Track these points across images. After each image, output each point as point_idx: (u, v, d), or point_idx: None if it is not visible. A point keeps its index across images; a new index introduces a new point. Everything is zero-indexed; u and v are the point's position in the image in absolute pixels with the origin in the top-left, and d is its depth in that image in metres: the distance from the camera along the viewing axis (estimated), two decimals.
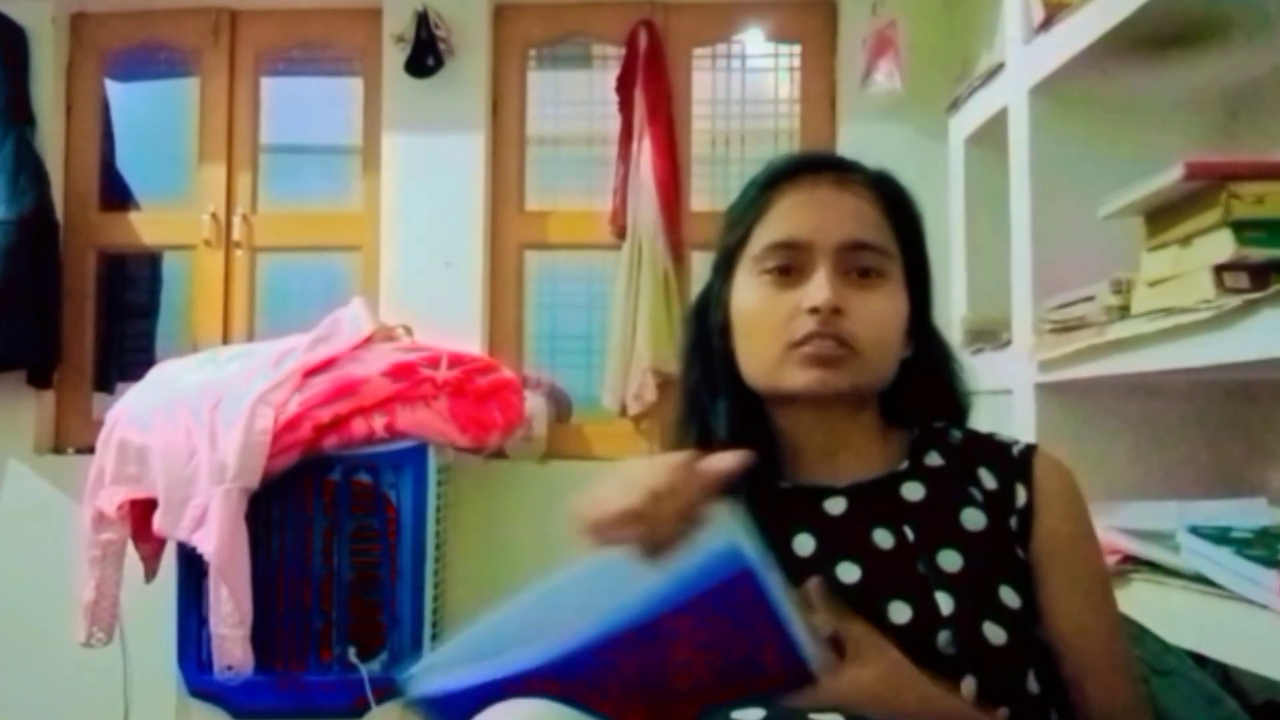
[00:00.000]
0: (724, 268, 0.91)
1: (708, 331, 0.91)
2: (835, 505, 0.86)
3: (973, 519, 0.83)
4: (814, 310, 0.82)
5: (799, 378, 0.84)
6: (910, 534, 0.83)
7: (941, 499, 0.85)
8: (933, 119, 2.41)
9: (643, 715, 0.73)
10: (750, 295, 0.87)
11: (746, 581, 0.69)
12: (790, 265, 0.85)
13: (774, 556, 0.83)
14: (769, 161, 0.93)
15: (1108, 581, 0.87)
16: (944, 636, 0.77)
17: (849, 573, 0.82)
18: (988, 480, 0.86)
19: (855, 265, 0.85)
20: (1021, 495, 0.84)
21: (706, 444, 0.88)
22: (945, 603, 0.78)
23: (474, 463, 2.49)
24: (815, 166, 0.90)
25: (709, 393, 0.90)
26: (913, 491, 0.86)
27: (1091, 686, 0.81)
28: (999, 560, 0.82)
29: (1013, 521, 0.83)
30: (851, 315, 0.83)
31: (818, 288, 0.83)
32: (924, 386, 0.91)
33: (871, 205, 0.88)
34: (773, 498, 0.87)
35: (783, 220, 0.87)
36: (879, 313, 0.85)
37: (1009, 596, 0.80)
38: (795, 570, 0.83)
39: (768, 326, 0.85)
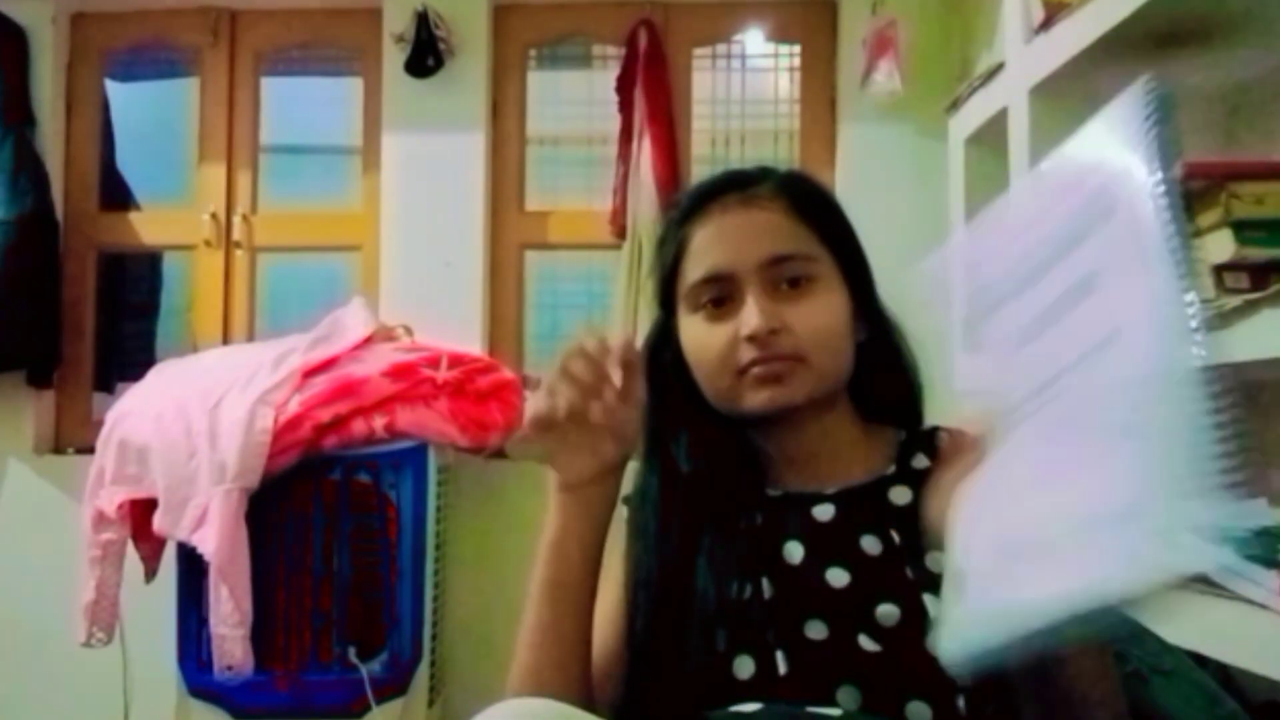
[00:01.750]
0: (665, 304, 0.93)
1: (662, 368, 0.92)
2: (824, 512, 0.87)
3: None
4: (750, 338, 0.85)
5: (754, 400, 0.86)
6: (897, 538, 0.83)
7: None
8: (933, 119, 2.41)
9: None
10: (692, 332, 0.89)
11: None
12: (720, 297, 0.88)
13: (766, 564, 0.84)
14: (683, 195, 0.95)
15: None
16: (933, 638, 0.77)
17: (838, 578, 0.82)
18: (920, 462, 0.87)
19: (782, 278, 0.87)
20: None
21: (672, 476, 0.90)
22: (933, 604, 0.78)
23: (474, 463, 2.49)
24: (719, 191, 0.91)
25: (669, 427, 0.91)
26: (900, 495, 0.86)
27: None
28: None
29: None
30: (790, 329, 0.85)
31: (749, 314, 0.85)
32: (887, 368, 0.93)
33: (782, 214, 0.89)
34: (762, 506, 0.88)
35: (701, 255, 0.89)
36: (816, 318, 0.86)
37: None
38: (786, 577, 0.83)
39: (714, 360, 0.87)
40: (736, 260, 0.87)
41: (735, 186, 0.91)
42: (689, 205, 0.92)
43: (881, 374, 0.92)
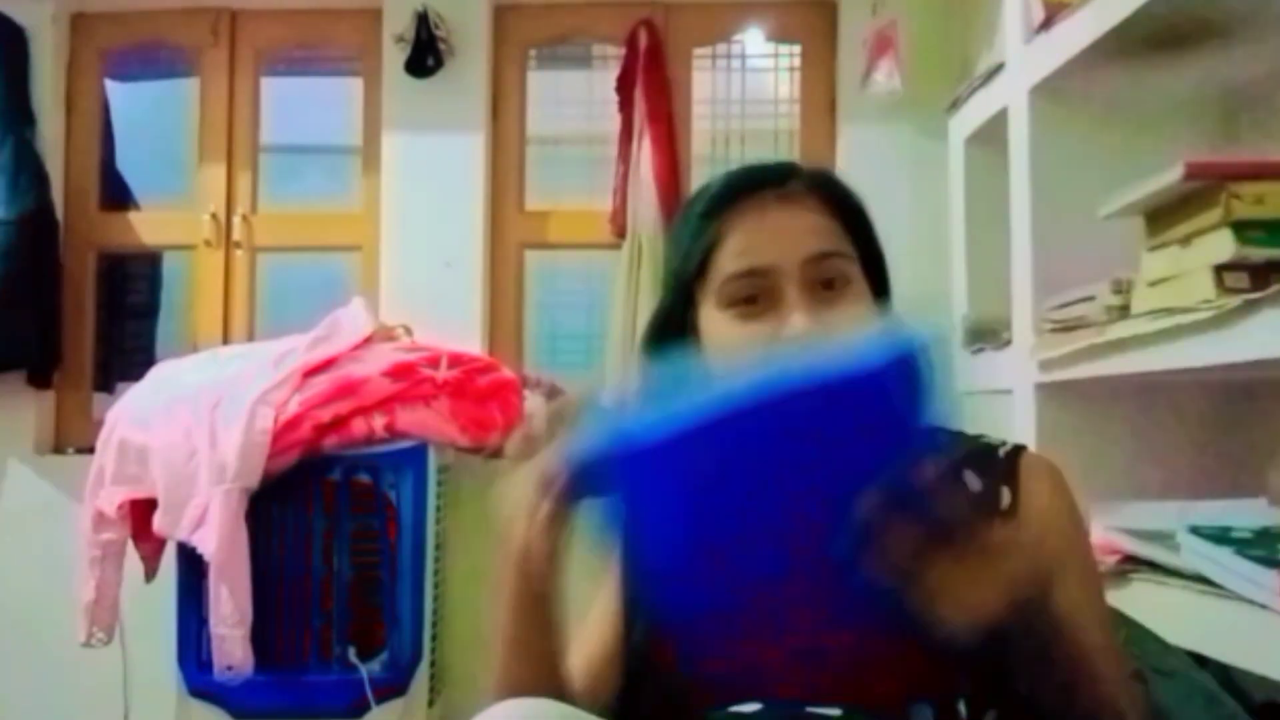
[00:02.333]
0: (681, 294, 0.89)
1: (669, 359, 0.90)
2: None
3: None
4: (793, 341, 0.82)
5: None
6: None
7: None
8: (933, 119, 2.41)
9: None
10: (722, 329, 0.86)
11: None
12: (756, 293, 0.85)
13: None
14: (705, 186, 0.91)
15: (1098, 578, 0.87)
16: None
17: None
18: (972, 482, 0.85)
19: (820, 277, 0.84)
20: (1005, 497, 0.84)
21: None
22: None
23: (474, 463, 2.48)
24: (756, 185, 0.88)
25: None
26: None
27: (1081, 685, 0.81)
28: None
29: (996, 524, 0.83)
30: (831, 331, 0.82)
31: (794, 317, 0.82)
32: None
33: (819, 212, 0.87)
34: None
35: (739, 250, 0.85)
36: (854, 320, 0.84)
37: None
38: None
39: (744, 359, 0.84)
40: (779, 257, 0.84)
41: (770, 182, 0.88)
42: (721, 196, 0.89)
43: None
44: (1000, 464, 0.86)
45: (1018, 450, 0.88)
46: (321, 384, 2.11)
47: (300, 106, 3.08)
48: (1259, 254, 1.21)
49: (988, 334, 2.02)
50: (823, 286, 0.84)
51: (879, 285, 0.90)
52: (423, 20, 2.58)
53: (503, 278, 2.74)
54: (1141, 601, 1.32)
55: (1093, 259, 1.55)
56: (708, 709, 0.77)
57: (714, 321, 0.87)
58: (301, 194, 3.00)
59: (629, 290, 2.56)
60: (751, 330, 0.84)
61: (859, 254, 0.88)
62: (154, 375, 2.26)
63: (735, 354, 0.85)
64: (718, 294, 0.86)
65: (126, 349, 2.89)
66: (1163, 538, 1.37)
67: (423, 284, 2.64)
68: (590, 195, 2.79)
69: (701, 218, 0.89)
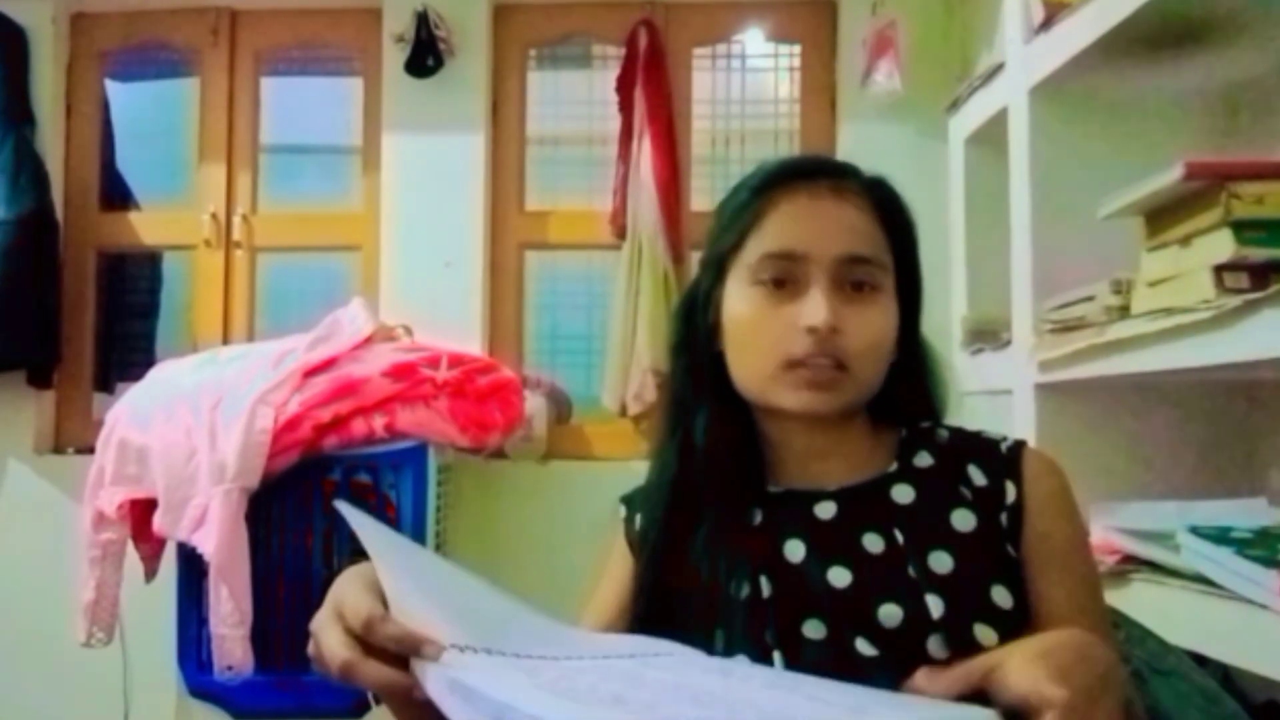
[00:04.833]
0: (714, 269, 0.90)
1: (694, 333, 0.91)
2: (825, 510, 0.86)
3: (963, 519, 0.83)
4: (811, 330, 0.82)
5: (791, 398, 0.84)
6: (900, 537, 0.83)
7: (931, 500, 0.85)
8: (933, 119, 2.41)
9: None
10: (744, 306, 0.86)
11: None
12: (785, 277, 0.85)
13: (765, 563, 0.84)
14: (762, 164, 0.91)
15: (1097, 576, 0.87)
16: (935, 640, 0.77)
17: (840, 577, 0.82)
18: (977, 477, 0.85)
19: (850, 278, 0.85)
20: (1011, 492, 0.84)
21: (688, 450, 0.89)
22: (936, 606, 0.78)
23: (474, 463, 2.49)
24: (811, 173, 0.88)
25: (692, 398, 0.90)
26: (902, 494, 0.86)
27: None
28: (990, 560, 0.82)
29: (1003, 518, 0.83)
30: (847, 332, 0.83)
31: (815, 306, 0.82)
32: (908, 388, 0.91)
33: (867, 215, 0.87)
34: (762, 502, 0.88)
35: (779, 230, 0.86)
36: (873, 328, 0.85)
37: (1001, 597, 0.80)
38: (786, 576, 0.83)
39: (762, 341, 0.85)
40: (816, 246, 0.84)
41: (827, 173, 0.89)
42: (774, 174, 0.89)
43: (903, 394, 0.90)
44: (1003, 459, 0.86)
45: (1019, 445, 0.88)
46: (321, 384, 2.11)
47: (300, 106, 3.08)
48: (1259, 254, 1.21)
49: (988, 334, 2.02)
50: (852, 288, 0.85)
51: (910, 302, 0.89)
52: (423, 20, 2.58)
53: (503, 278, 2.74)
54: (1141, 601, 1.32)
55: (1093, 259, 1.56)
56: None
57: (739, 297, 0.87)
58: (301, 194, 3.00)
59: (629, 290, 2.57)
60: (773, 311, 0.85)
61: (897, 269, 0.88)
62: (154, 375, 2.26)
63: (754, 335, 0.86)
64: (749, 269, 0.86)
65: (126, 349, 2.89)
66: (1163, 538, 1.37)
67: (423, 284, 2.64)
68: (590, 195, 2.79)
69: (751, 191, 0.89)
